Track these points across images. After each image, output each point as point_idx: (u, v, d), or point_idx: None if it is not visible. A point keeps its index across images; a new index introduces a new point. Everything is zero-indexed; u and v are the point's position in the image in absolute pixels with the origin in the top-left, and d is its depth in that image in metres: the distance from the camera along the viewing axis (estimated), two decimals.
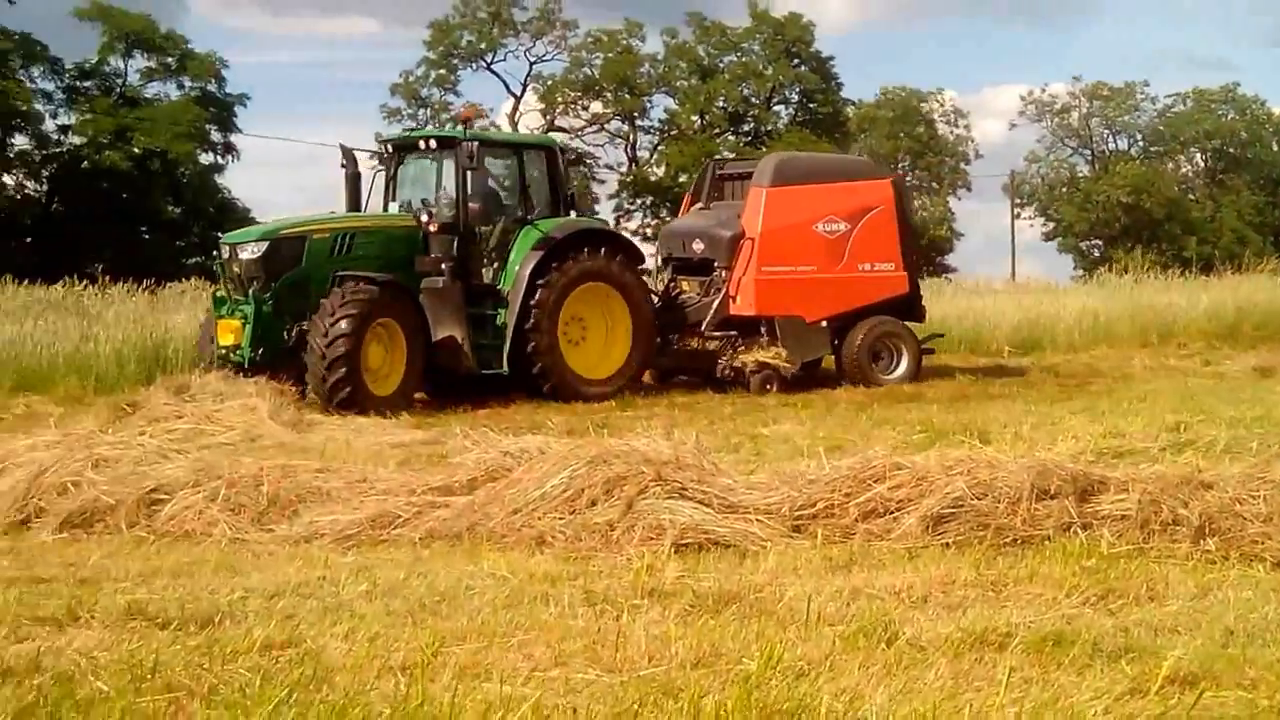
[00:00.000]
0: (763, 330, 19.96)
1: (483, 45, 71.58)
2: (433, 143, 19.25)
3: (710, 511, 8.31)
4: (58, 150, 54.77)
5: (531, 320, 18.05)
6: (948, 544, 7.86)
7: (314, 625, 6.08)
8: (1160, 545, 7.72)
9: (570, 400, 17.85)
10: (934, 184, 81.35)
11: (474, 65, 72.36)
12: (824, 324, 20.43)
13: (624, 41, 71.90)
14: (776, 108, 75.16)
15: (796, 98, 75.32)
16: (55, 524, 9.08)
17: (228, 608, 6.52)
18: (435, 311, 17.66)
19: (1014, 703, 4.02)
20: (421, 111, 71.26)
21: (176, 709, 4.53)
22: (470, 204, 18.32)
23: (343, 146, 19.66)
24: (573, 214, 19.73)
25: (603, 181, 73.41)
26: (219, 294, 17.98)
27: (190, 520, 8.95)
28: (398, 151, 19.63)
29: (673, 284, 21.01)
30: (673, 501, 8.33)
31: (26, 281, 25.03)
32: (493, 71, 72.86)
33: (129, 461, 9.88)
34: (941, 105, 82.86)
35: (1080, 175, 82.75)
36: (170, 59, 58.11)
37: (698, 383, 19.97)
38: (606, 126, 73.84)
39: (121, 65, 58.43)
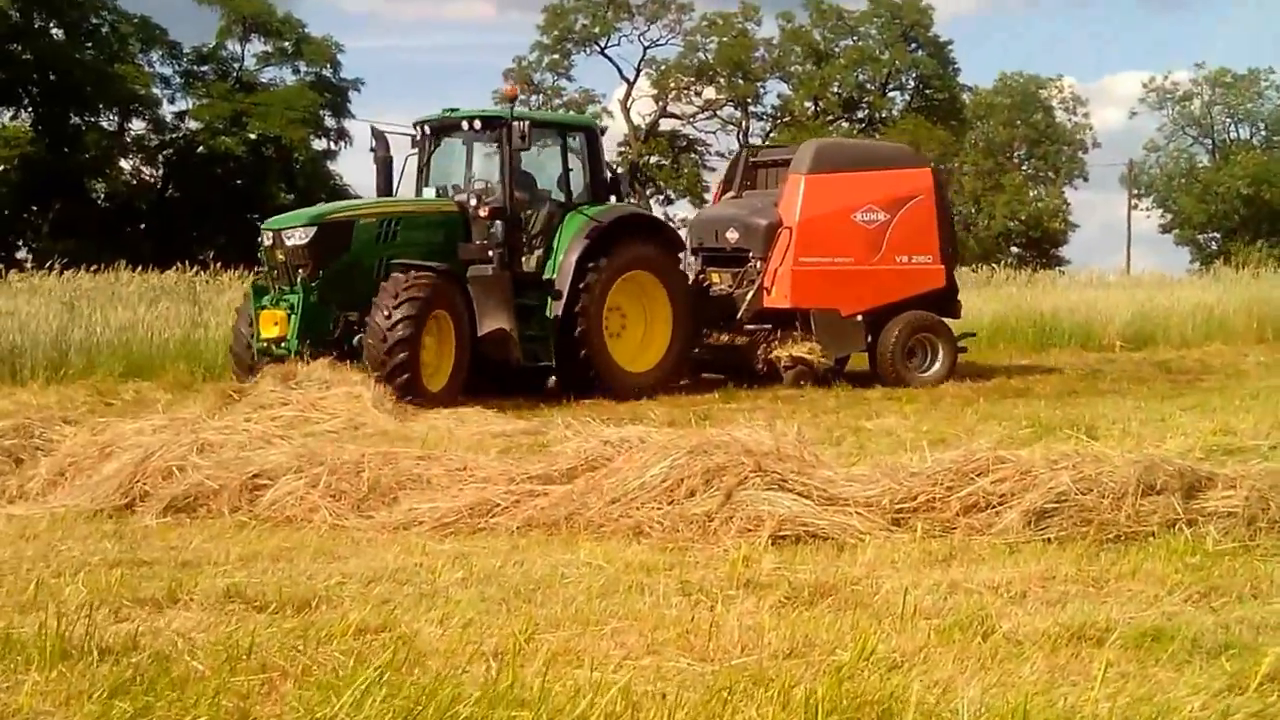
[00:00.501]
0: (797, 323, 19.44)
1: (596, 29, 71.69)
2: (476, 123, 18.13)
3: (810, 503, 8.25)
4: (174, 135, 55.57)
5: (579, 311, 17.50)
6: (1050, 539, 7.75)
7: (409, 610, 6.11)
8: (1266, 543, 7.58)
9: (614, 395, 17.19)
10: (1050, 173, 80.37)
11: (587, 49, 72.56)
12: (859, 318, 19.75)
13: (739, 25, 71.77)
14: (892, 93, 74.76)
15: (913, 83, 74.80)
16: (159, 508, 9.18)
17: (324, 592, 6.57)
18: (482, 302, 16.88)
19: (1109, 698, 3.95)
20: (535, 97, 71.55)
21: (270, 688, 4.57)
22: (517, 187, 17.78)
23: (373, 128, 19.19)
24: (612, 199, 18.93)
25: (714, 169, 73.21)
26: (258, 283, 17.30)
27: (291, 506, 9.03)
28: (435, 134, 18.79)
29: (702, 275, 20.39)
30: (772, 493, 8.28)
31: (141, 268, 25.37)
32: (606, 56, 73.07)
33: (233, 447, 9.98)
34: (1060, 92, 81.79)
35: (1200, 165, 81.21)
36: (287, 44, 58.78)
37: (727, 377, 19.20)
38: (719, 113, 73.73)
39: (238, 50, 59.21)
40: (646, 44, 72.51)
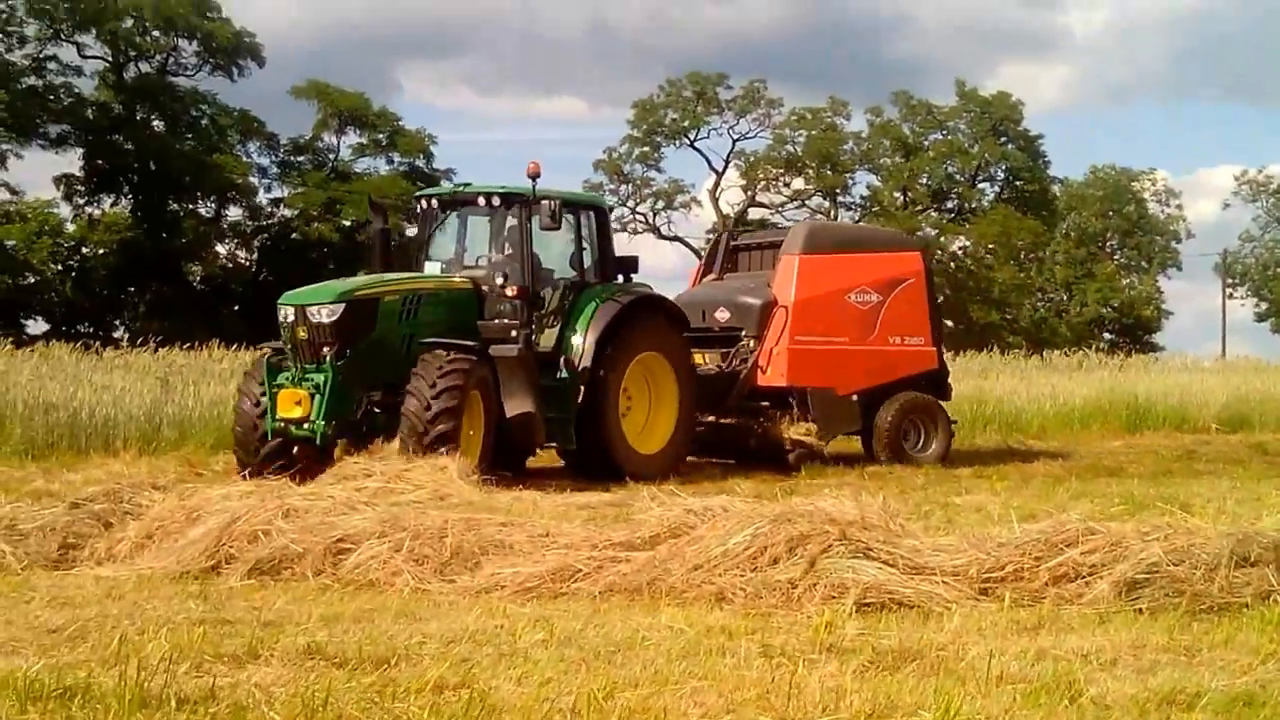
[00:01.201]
0: (792, 402, 19.09)
1: (686, 123, 72.18)
2: (495, 199, 17.36)
3: (895, 572, 8.14)
4: (269, 221, 56.44)
5: (599, 393, 16.90)
6: (1141, 610, 7.60)
7: (487, 669, 6.07)
8: None
9: (629, 476, 16.08)
10: (1143, 263, 79.77)
11: (677, 142, 73.02)
12: (855, 398, 19.53)
13: (828, 119, 71.97)
14: (981, 185, 74.50)
15: (1003, 175, 74.58)
16: (244, 570, 9.21)
17: (404, 651, 6.54)
18: (508, 382, 16.18)
19: None
20: (624, 187, 72.06)
21: None
22: (539, 266, 17.17)
23: (371, 200, 18.97)
24: (620, 278, 18.17)
25: None
26: (271, 360, 16.16)
27: (375, 570, 9.02)
28: (443, 208, 18.08)
29: None
30: (857, 561, 8.18)
31: (235, 346, 25.65)
32: (695, 148, 73.58)
33: (318, 512, 10.00)
34: (1153, 184, 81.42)
35: None
36: (381, 135, 59.78)
37: (727, 462, 18.76)
38: (808, 203, 73.84)
39: (334, 141, 60.27)
40: (735, 136, 72.97)
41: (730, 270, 21.16)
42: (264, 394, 15.90)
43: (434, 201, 18.16)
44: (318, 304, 15.96)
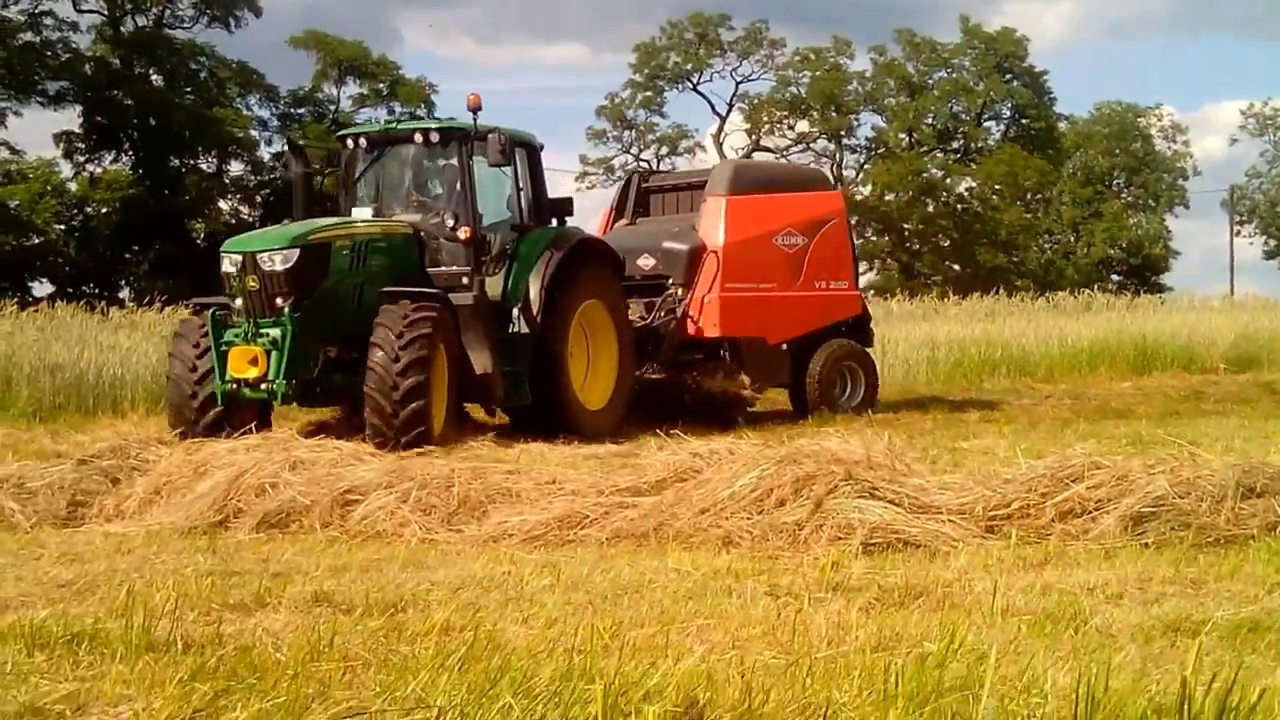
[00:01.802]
0: (724, 354, 18.06)
1: (689, 66, 72.01)
2: (434, 136, 16.05)
3: (901, 511, 8.15)
4: (271, 176, 56.27)
5: (550, 346, 15.80)
6: (1147, 544, 7.62)
7: (494, 612, 6.09)
8: None
9: (578, 435, 15.26)
10: (1150, 201, 79.50)
11: (680, 86, 72.86)
12: (784, 347, 18.56)
13: (831, 59, 71.74)
14: (987, 123, 74.31)
15: (1008, 113, 74.32)
16: (252, 524, 9.24)
17: (411, 597, 6.56)
18: (468, 335, 15.08)
19: (1203, 684, 3.83)
20: (627, 133, 71.88)
21: (350, 675, 4.56)
22: (477, 208, 15.84)
23: (290, 141, 17.64)
24: (553, 222, 16.95)
25: None
26: (217, 315, 14.72)
27: (382, 521, 9.05)
28: (372, 148, 16.52)
29: None
30: (863, 501, 8.19)
31: None
32: (698, 92, 73.48)
33: (325, 464, 10.03)
34: (1159, 120, 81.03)
35: None
36: (381, 85, 59.49)
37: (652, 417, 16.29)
38: (813, 145, 73.74)
39: (334, 92, 59.99)
40: (739, 79, 72.78)
41: (642, 214, 19.95)
42: (201, 355, 14.69)
43: (361, 141, 16.68)
44: (269, 250, 14.77)
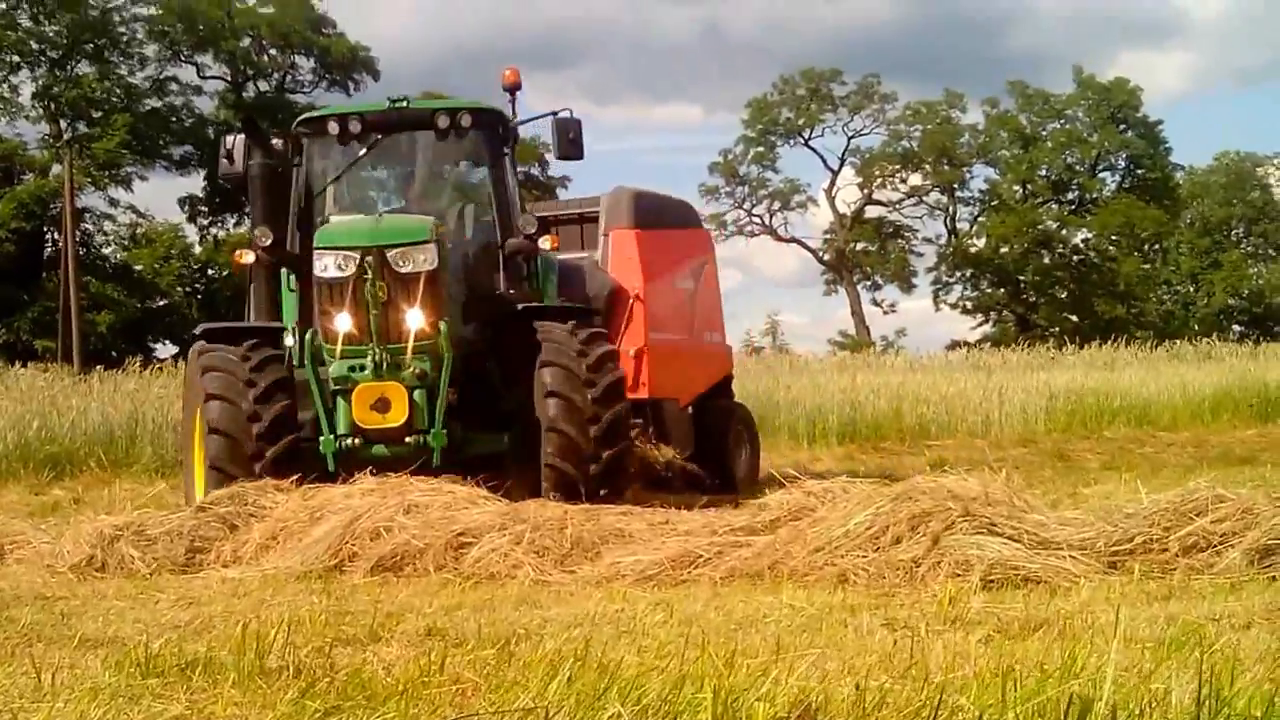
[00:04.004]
0: (646, 421, 14.66)
1: (801, 121, 72.06)
2: (464, 118, 12.78)
3: (1020, 547, 8.01)
4: None
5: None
6: (1274, 577, 7.43)
7: (607, 644, 6.03)
8: None
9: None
10: (1271, 250, 78.23)
11: (792, 141, 72.94)
12: (689, 409, 15.82)
13: (943, 112, 71.49)
14: (1102, 174, 73.61)
15: (1123, 164, 73.62)
16: (367, 567, 9.27)
17: (524, 632, 6.53)
18: None
19: None
20: (740, 189, 72.08)
21: (461, 697, 4.54)
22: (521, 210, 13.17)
23: (249, 120, 14.29)
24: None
25: (921, 254, 72.97)
26: (315, 343, 11.56)
27: (496, 563, 9.04)
28: (366, 132, 12.93)
29: None
30: (981, 537, 8.06)
31: None
32: (810, 147, 73.50)
33: (438, 507, 10.03)
34: (1278, 170, 79.80)
35: None
36: None
37: None
38: (925, 199, 73.38)
39: None
40: (850, 134, 72.74)
41: None
42: (264, 399, 11.42)
43: (355, 124, 12.88)
44: (407, 244, 11.57)
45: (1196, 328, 62.07)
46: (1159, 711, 3.70)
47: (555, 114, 12.99)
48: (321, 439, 11.50)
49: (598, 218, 15.80)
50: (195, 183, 55.68)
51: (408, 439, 11.40)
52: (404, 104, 13.13)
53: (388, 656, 5.71)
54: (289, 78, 57.78)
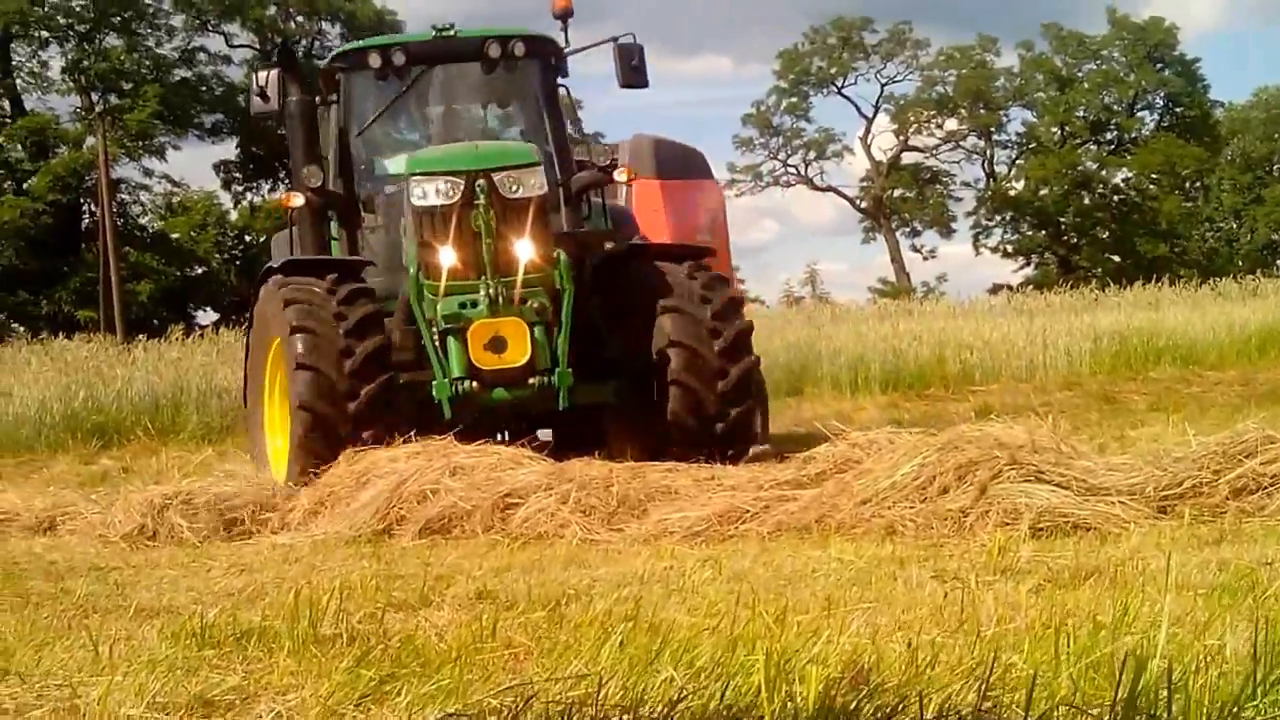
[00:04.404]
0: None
1: (833, 71, 71.69)
2: (516, 47, 11.93)
3: (1069, 494, 7.98)
4: None
5: None
6: None
7: (656, 603, 6.05)
8: None
9: None
10: None
11: (825, 91, 72.60)
12: None
13: (977, 57, 71.02)
14: (1140, 114, 72.99)
15: (1161, 102, 73.01)
16: (415, 530, 9.30)
17: (574, 593, 6.55)
18: None
19: None
20: (774, 140, 71.81)
21: (513, 661, 4.57)
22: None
23: (283, 50, 11.60)
24: None
25: (960, 199, 72.65)
26: (428, 278, 10.79)
27: (543, 523, 9.06)
28: (415, 63, 12.09)
29: None
30: (1029, 485, 8.03)
31: None
32: (844, 96, 73.23)
33: (484, 468, 10.05)
34: None
35: None
36: None
37: None
38: (962, 144, 72.99)
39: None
40: (884, 81, 72.35)
41: None
42: (357, 333, 10.60)
43: (399, 56, 12.04)
44: (516, 166, 10.78)
45: (1241, 264, 61.70)
46: (1215, 666, 3.67)
47: (616, 39, 12.19)
48: (435, 383, 10.68)
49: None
50: (228, 149, 55.89)
51: (530, 380, 10.56)
52: (451, 32, 12.17)
53: (439, 621, 5.73)
54: (316, 44, 57.75)
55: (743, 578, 6.84)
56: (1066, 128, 71.81)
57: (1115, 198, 70.86)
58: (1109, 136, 72.67)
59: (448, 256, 10.61)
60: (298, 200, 11.81)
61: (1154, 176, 69.92)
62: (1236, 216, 74.94)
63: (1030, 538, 7.48)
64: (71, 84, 52.70)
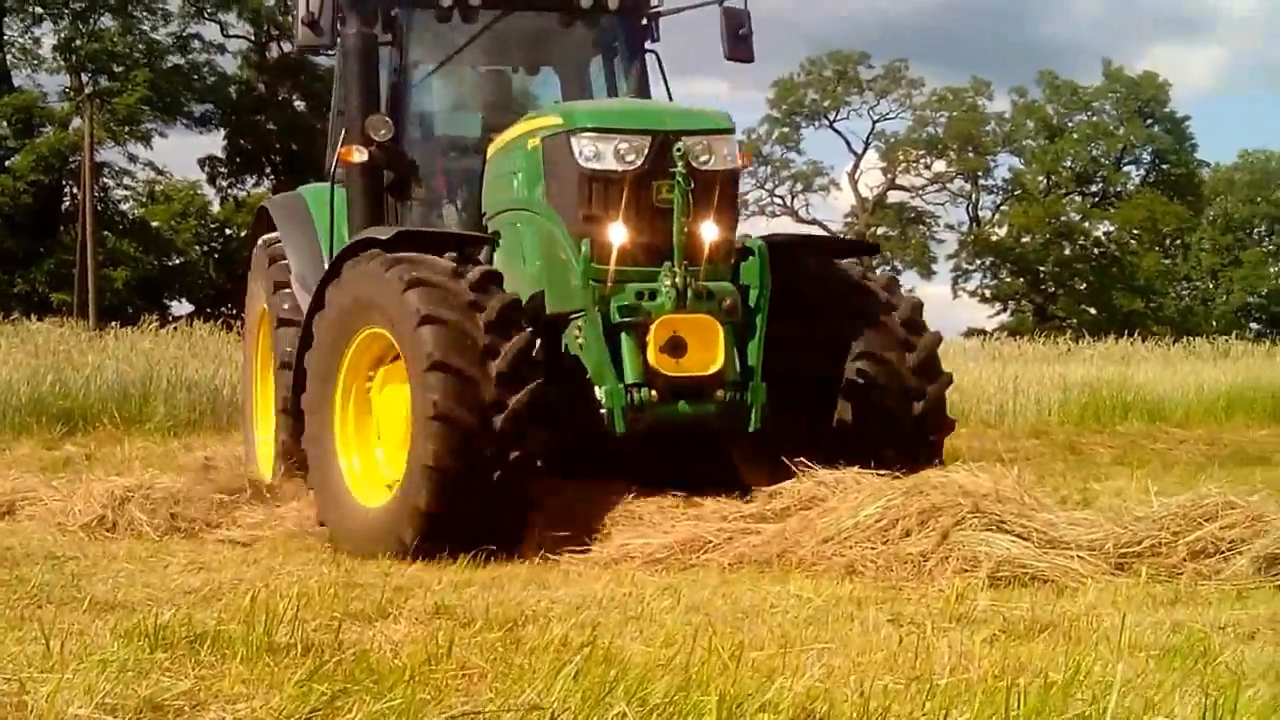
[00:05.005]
0: None
1: (826, 103, 71.89)
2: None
3: (1029, 545, 8.00)
4: None
5: None
6: None
7: (613, 630, 6.06)
8: None
9: None
10: None
11: (817, 123, 72.79)
12: None
13: (970, 100, 71.34)
14: (1127, 168, 73.37)
15: (1148, 158, 73.36)
16: None
17: (531, 614, 6.55)
18: None
19: None
20: (762, 169, 71.99)
21: (467, 682, 4.57)
22: None
23: None
24: None
25: (942, 241, 72.90)
26: (592, 263, 8.74)
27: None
28: (490, 6, 10.36)
29: None
30: (990, 534, 8.05)
31: None
32: (834, 129, 73.36)
33: None
34: None
35: None
36: None
37: None
38: (949, 185, 73.26)
39: None
40: (876, 118, 72.59)
41: None
42: (501, 327, 8.53)
43: None
44: (710, 131, 9.05)
45: (1215, 324, 61.99)
46: None
47: (721, 1, 10.39)
48: (606, 389, 8.72)
49: None
50: (215, 141, 55.73)
51: (719, 392, 8.76)
52: None
53: (395, 635, 5.73)
54: None
55: (701, 609, 6.85)
56: (1053, 177, 72.12)
57: (1096, 250, 71.15)
58: (1094, 189, 73.02)
59: (618, 234, 8.78)
60: (359, 155, 10.12)
61: (1135, 231, 70.26)
62: (1214, 277, 75.32)
63: (988, 586, 7.51)
64: (62, 63, 52.47)
